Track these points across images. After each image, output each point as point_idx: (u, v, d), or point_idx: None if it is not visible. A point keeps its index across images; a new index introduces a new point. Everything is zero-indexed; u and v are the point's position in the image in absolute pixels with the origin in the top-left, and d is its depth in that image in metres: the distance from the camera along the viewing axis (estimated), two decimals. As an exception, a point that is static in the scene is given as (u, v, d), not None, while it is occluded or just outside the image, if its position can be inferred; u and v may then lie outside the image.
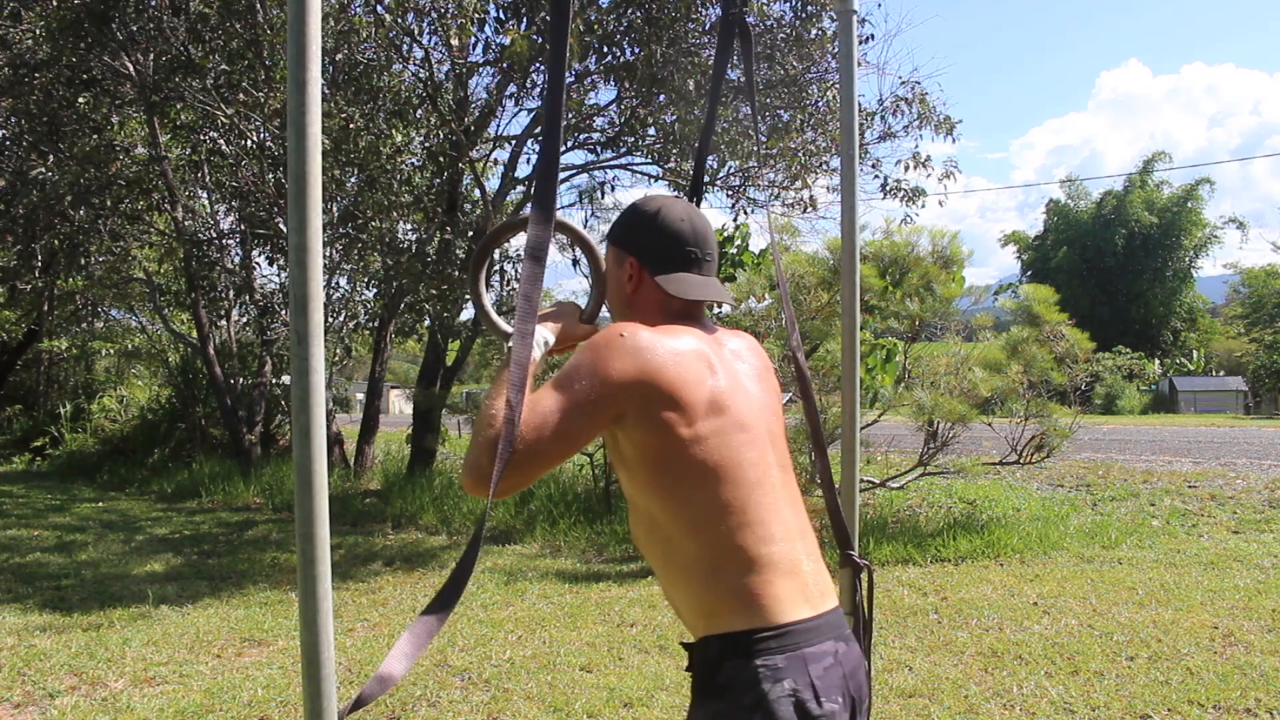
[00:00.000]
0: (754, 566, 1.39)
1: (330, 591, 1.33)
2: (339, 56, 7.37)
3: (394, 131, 7.79)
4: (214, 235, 12.02)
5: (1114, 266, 38.70)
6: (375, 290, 10.29)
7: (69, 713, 3.84)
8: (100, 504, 10.59)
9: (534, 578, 6.38)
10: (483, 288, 1.74)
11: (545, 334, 1.55)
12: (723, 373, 1.49)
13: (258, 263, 12.32)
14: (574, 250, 9.27)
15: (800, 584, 1.42)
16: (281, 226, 9.13)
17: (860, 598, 1.84)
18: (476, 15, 7.44)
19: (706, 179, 10.44)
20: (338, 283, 10.59)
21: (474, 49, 8.54)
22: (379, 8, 7.84)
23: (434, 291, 8.63)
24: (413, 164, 8.68)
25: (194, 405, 13.32)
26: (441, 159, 8.88)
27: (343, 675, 4.24)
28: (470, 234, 9.64)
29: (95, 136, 10.17)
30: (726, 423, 1.43)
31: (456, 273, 8.90)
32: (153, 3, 8.52)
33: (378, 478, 10.97)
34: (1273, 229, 77.31)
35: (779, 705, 1.31)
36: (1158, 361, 37.08)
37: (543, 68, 8.80)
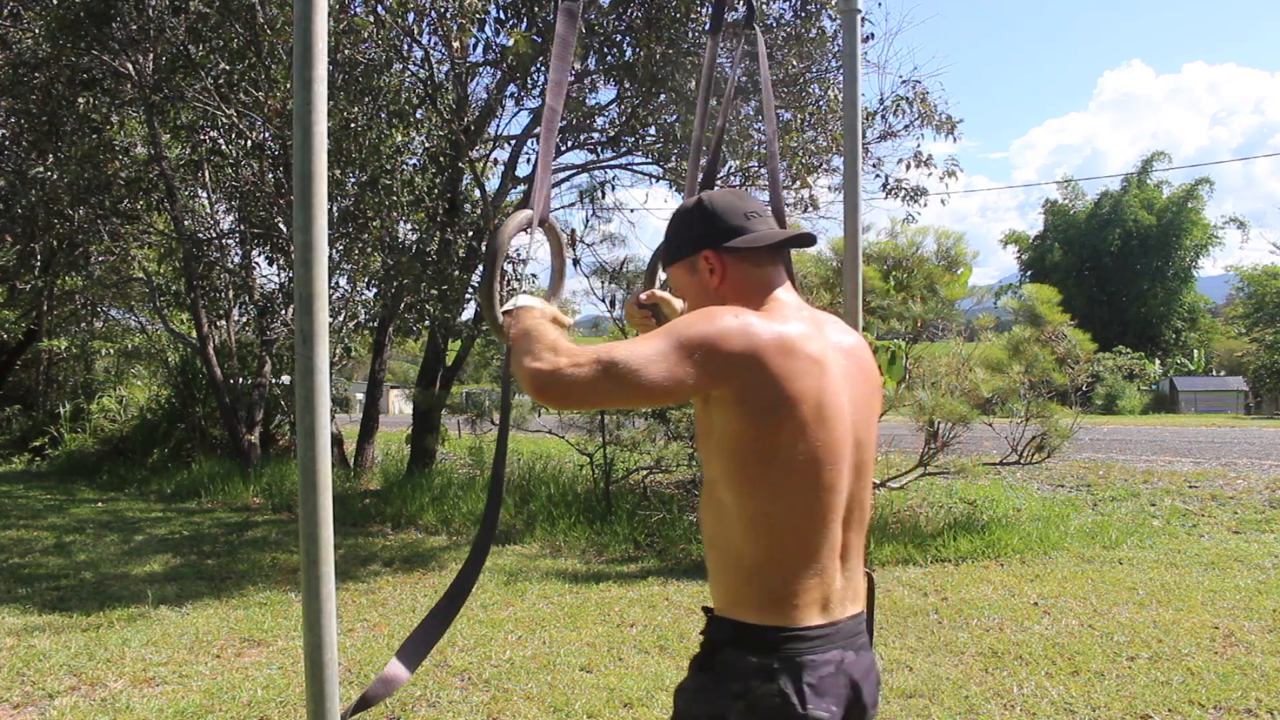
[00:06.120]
0: (790, 574, 1.41)
1: (334, 592, 1.32)
2: (339, 56, 7.37)
3: (394, 132, 7.79)
4: (214, 235, 12.01)
5: (1111, 266, 38.73)
6: (375, 290, 10.29)
7: (68, 713, 3.84)
8: (100, 504, 10.57)
9: (534, 578, 6.37)
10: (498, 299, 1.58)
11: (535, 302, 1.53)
12: (825, 366, 1.44)
13: (257, 263, 12.32)
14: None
15: (824, 593, 1.44)
16: (281, 226, 9.12)
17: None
18: (477, 16, 7.43)
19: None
20: (338, 283, 10.58)
21: (474, 49, 8.54)
22: (379, 8, 7.83)
23: (434, 291, 8.62)
24: (413, 164, 8.68)
25: (193, 405, 13.28)
26: (441, 159, 8.87)
27: (342, 676, 4.22)
28: (470, 234, 9.63)
29: (95, 136, 10.16)
30: (818, 424, 1.39)
31: (457, 272, 8.88)
32: (153, 3, 8.51)
33: (377, 478, 10.95)
34: (1273, 229, 77.49)
35: (762, 700, 1.36)
36: (1158, 361, 37.10)
37: (543, 68, 8.79)
